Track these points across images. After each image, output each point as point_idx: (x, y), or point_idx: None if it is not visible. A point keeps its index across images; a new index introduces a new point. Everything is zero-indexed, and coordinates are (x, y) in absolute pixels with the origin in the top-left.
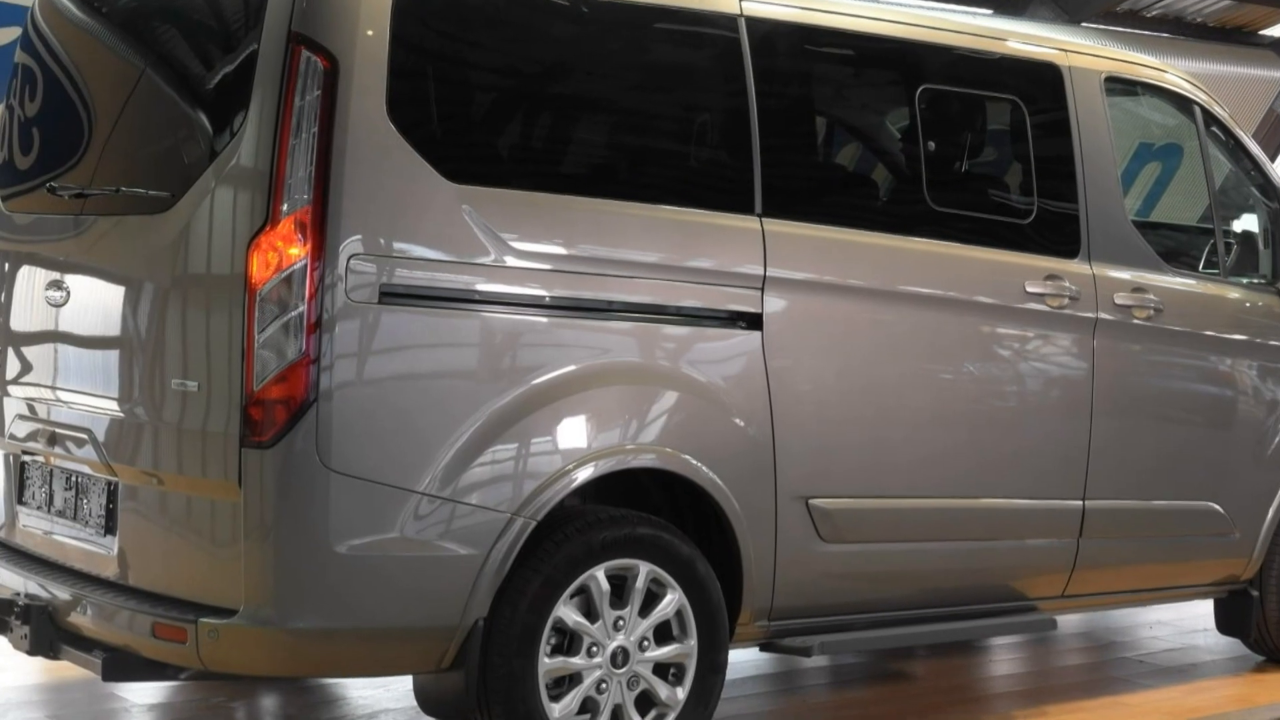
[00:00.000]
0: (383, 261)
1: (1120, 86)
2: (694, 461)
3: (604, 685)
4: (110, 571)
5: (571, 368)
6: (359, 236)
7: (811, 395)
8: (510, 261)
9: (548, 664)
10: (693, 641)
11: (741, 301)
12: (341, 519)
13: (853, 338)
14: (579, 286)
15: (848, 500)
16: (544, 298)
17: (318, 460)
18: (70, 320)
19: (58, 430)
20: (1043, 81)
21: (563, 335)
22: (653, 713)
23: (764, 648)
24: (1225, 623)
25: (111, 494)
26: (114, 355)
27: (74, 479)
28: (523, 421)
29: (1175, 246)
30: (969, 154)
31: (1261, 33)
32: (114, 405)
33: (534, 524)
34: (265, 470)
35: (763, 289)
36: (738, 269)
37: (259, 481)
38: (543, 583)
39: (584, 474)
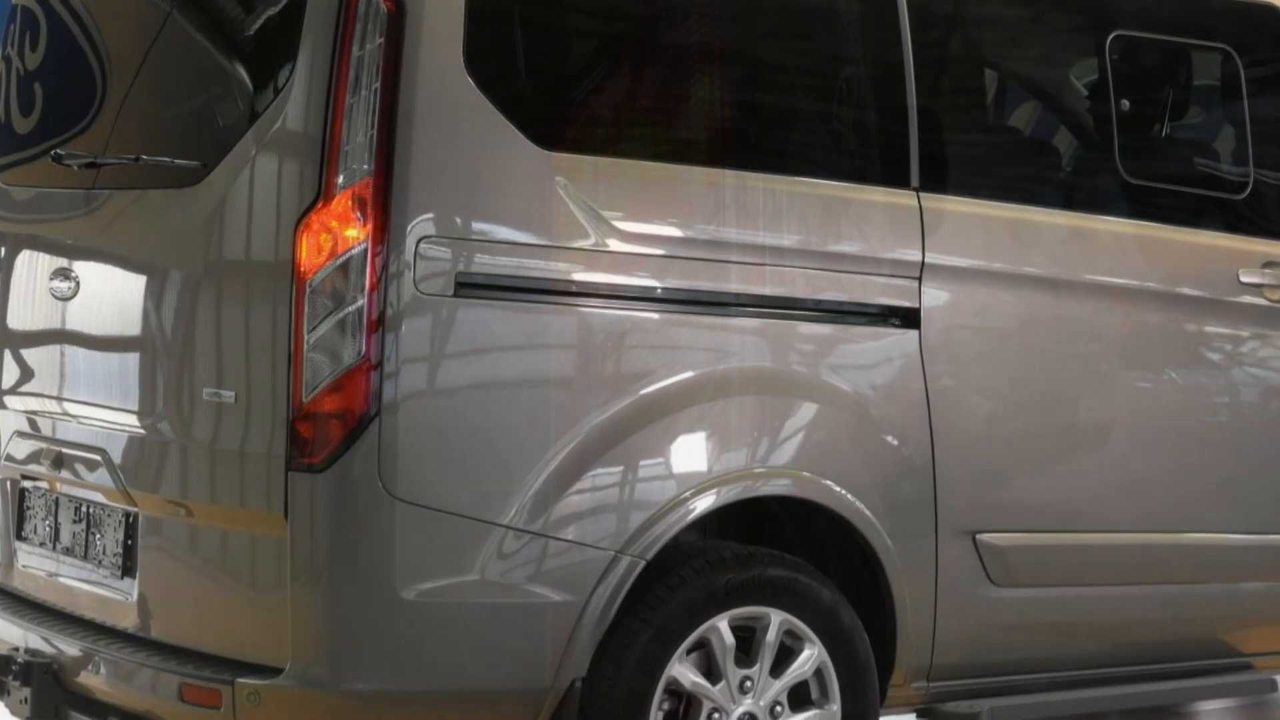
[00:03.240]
0: (459, 245)
1: None
2: (836, 488)
3: None
4: (129, 622)
5: (688, 374)
6: (430, 215)
7: (979, 408)
8: (614, 246)
9: None
10: (835, 706)
11: (894, 294)
12: (409, 558)
13: (1029, 338)
14: (697, 276)
15: (1024, 535)
16: (655, 290)
17: (380, 486)
18: (80, 317)
19: (65, 450)
20: (1261, 27)
21: (677, 335)
22: None
23: (921, 714)
24: None
25: (130, 528)
26: (133, 359)
27: (84, 509)
28: (629, 440)
29: None
30: (1171, 115)
31: None
32: (133, 420)
33: (643, 564)
34: (316, 499)
35: (920, 278)
36: (889, 254)
37: (309, 512)
38: (653, 635)
39: (704, 503)
